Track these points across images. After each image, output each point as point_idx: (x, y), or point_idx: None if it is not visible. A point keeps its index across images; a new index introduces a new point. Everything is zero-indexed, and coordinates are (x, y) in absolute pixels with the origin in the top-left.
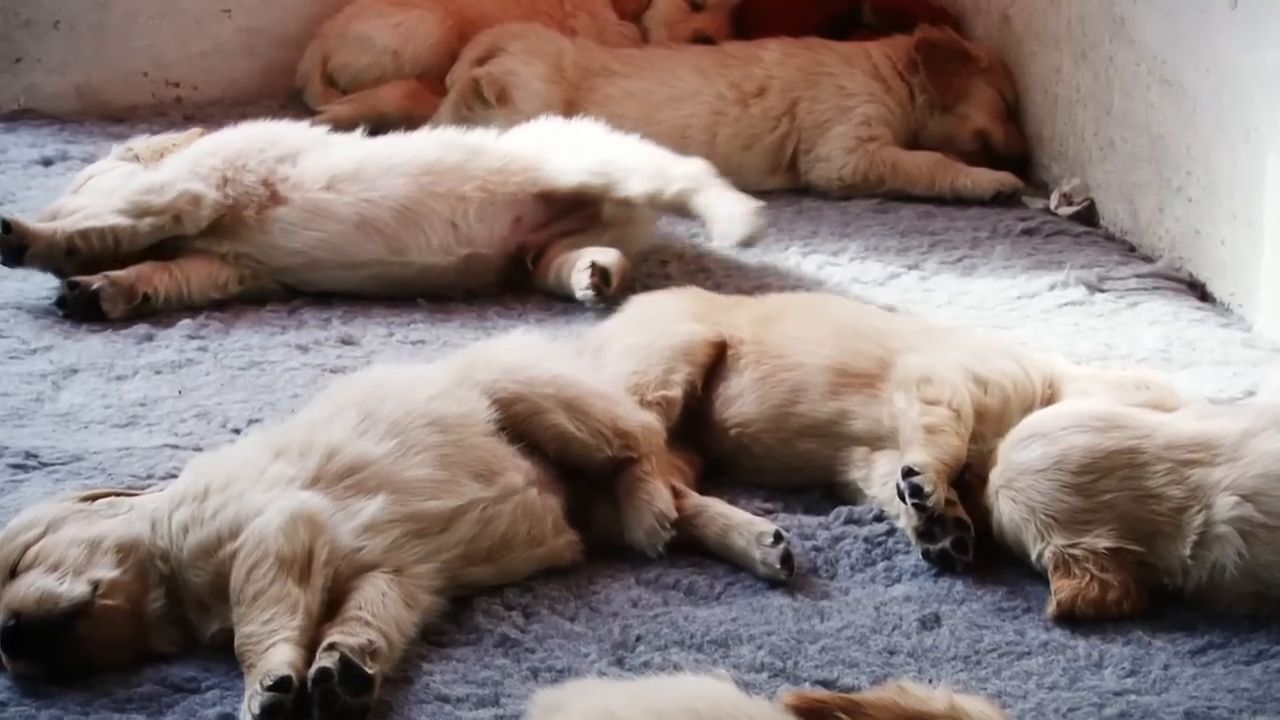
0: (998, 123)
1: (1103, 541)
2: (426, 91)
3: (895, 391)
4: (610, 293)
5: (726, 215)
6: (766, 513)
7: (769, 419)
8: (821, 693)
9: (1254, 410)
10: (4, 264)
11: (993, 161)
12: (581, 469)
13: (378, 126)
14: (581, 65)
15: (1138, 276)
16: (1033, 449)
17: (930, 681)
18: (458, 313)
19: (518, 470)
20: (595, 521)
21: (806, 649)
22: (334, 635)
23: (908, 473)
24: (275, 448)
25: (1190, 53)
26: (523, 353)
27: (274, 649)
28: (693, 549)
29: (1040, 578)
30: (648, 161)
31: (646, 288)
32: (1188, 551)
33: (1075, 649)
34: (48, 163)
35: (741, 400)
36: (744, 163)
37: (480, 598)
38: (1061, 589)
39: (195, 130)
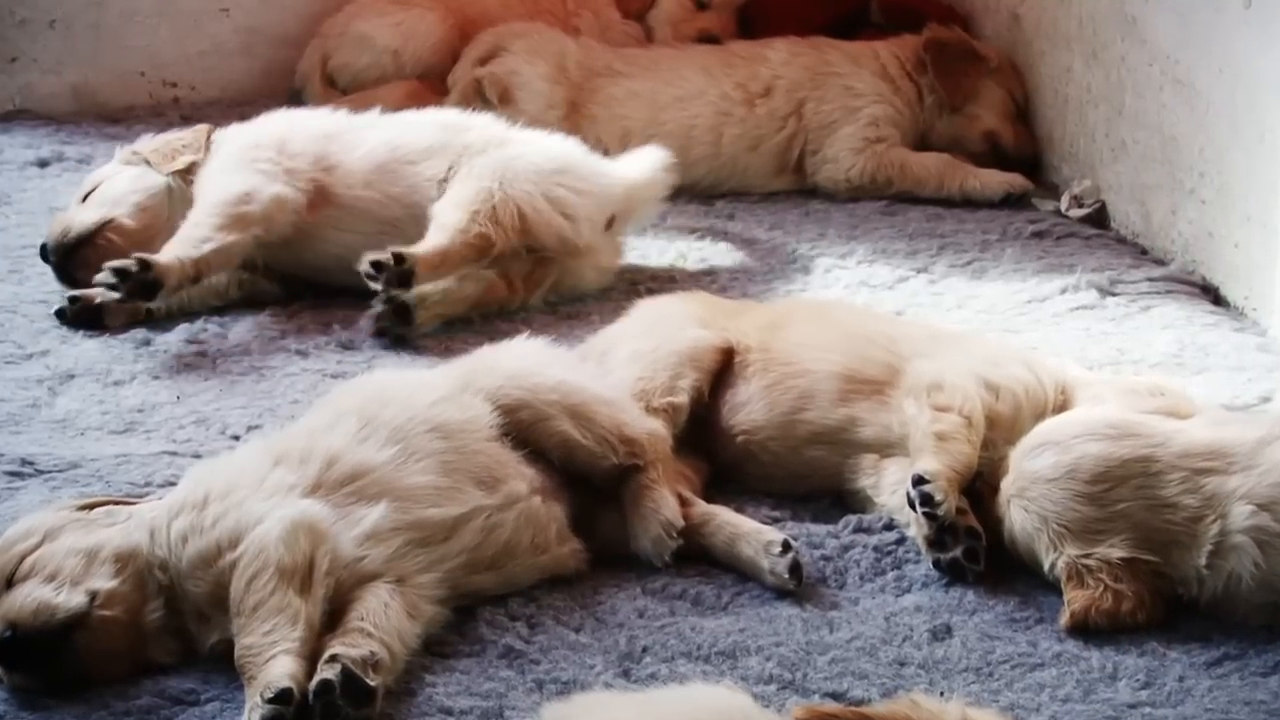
0: (1007, 124)
1: (1116, 551)
2: (427, 91)
3: (905, 398)
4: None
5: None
6: (774, 521)
7: (777, 426)
8: (832, 706)
9: (1269, 417)
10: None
11: (1002, 163)
12: (586, 476)
13: None
14: (585, 65)
15: (1150, 280)
16: (1045, 457)
17: (942, 694)
18: (459, 317)
19: (521, 477)
20: (600, 530)
21: (815, 660)
22: (336, 646)
23: (918, 480)
24: (275, 455)
25: (1203, 53)
26: (527, 359)
27: (275, 660)
28: (700, 558)
29: (1053, 588)
30: None
31: (651, 292)
32: (1203, 561)
33: (1089, 660)
34: (43, 164)
35: (749, 407)
36: (750, 164)
37: (484, 608)
38: (1075, 599)
39: (204, 127)
